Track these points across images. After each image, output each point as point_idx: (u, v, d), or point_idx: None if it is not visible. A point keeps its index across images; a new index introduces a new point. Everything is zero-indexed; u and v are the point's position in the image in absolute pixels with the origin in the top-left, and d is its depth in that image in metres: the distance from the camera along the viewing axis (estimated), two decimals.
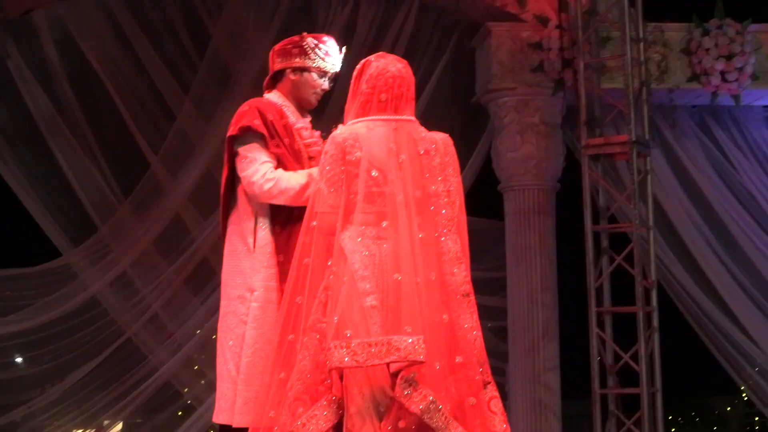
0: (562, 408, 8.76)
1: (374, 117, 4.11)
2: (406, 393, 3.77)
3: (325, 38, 4.64)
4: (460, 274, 3.97)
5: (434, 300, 3.88)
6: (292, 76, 4.59)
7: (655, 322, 8.04)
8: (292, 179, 4.40)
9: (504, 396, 8.57)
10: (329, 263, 3.98)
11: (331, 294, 3.91)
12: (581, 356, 8.24)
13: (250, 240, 4.44)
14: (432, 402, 3.76)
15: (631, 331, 7.96)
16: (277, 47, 4.63)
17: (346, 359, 3.75)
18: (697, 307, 9.04)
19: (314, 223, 4.07)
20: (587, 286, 8.15)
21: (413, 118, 4.13)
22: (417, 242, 3.91)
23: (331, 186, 4.05)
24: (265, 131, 4.41)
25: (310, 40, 4.55)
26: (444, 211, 3.99)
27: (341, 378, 3.86)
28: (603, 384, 8.12)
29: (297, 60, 4.57)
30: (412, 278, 3.88)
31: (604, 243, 8.31)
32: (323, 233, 4.05)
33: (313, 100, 4.59)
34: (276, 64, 4.63)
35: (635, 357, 7.93)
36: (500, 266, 8.92)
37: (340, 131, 4.17)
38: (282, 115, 4.52)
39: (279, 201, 4.40)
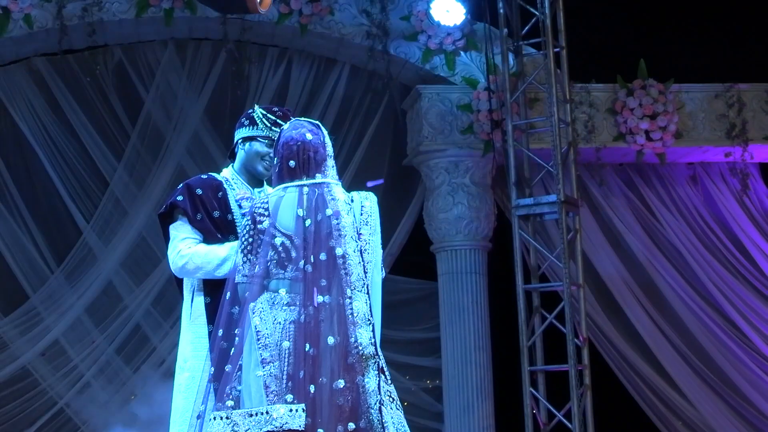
0: None
1: (287, 184, 4.18)
2: None
3: (276, 108, 4.63)
4: (365, 336, 3.92)
5: (332, 365, 3.88)
6: (242, 147, 4.63)
7: (587, 380, 8.06)
8: (210, 254, 4.43)
9: None
10: (235, 332, 4.05)
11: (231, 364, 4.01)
12: (516, 415, 8.25)
13: (188, 311, 4.52)
14: None
15: (565, 389, 7.99)
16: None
17: (227, 430, 3.81)
18: (626, 363, 9.10)
19: (229, 294, 4.14)
20: (520, 345, 8.15)
21: (328, 179, 4.15)
22: (317, 307, 3.93)
23: (245, 256, 4.12)
24: (188, 206, 4.47)
25: (258, 110, 4.56)
26: (353, 272, 3.97)
27: None
28: None
29: (246, 130, 4.60)
30: (302, 345, 3.91)
31: (536, 302, 8.33)
32: (238, 303, 4.12)
33: (262, 169, 4.57)
34: (234, 137, 4.71)
35: (569, 415, 7.97)
36: (434, 327, 8.96)
37: (255, 201, 4.29)
38: (219, 189, 4.57)
39: (198, 276, 4.45)
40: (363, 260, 3.98)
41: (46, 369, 8.53)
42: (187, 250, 4.40)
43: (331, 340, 3.87)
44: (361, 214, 4.08)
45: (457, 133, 8.89)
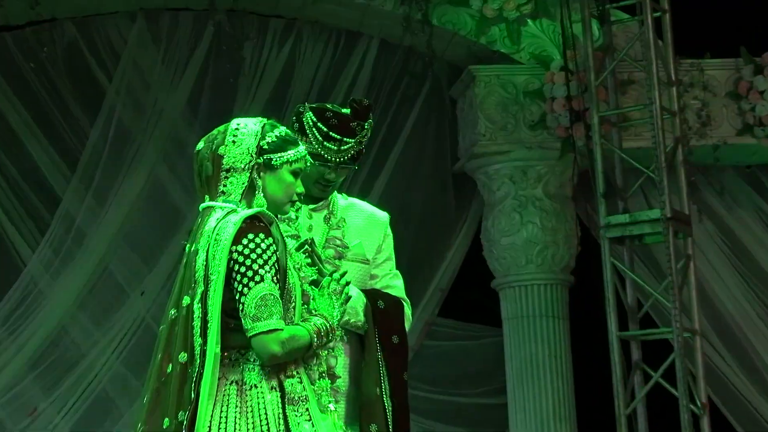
0: None
1: None
2: None
3: (329, 112, 4.19)
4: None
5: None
6: None
7: None
8: None
9: None
10: None
11: None
12: None
13: None
14: None
15: None
16: None
17: None
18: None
19: None
20: (616, 414, 7.51)
21: (214, 202, 3.71)
22: (166, 380, 3.76)
23: None
24: None
25: (309, 117, 4.18)
26: (193, 331, 3.63)
27: None
28: None
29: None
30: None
31: (636, 355, 7.67)
32: None
33: (315, 191, 4.27)
34: None
35: None
36: (499, 389, 8.15)
37: None
38: None
39: None
40: (203, 313, 3.56)
41: None
42: None
43: (166, 422, 3.64)
44: (216, 246, 3.59)
45: (524, 128, 8.12)
